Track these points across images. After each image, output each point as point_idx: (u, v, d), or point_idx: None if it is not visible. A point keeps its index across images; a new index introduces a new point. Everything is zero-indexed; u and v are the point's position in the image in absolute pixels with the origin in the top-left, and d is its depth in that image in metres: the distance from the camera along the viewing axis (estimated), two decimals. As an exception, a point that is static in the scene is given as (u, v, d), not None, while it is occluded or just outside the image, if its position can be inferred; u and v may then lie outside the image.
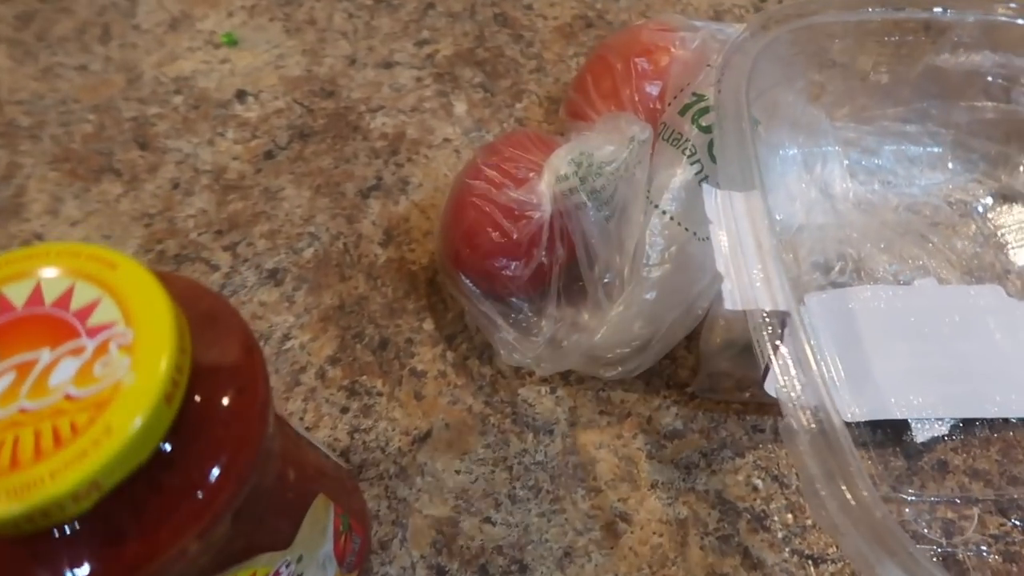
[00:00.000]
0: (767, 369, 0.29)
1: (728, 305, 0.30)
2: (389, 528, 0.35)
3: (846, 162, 0.43)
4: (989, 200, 0.43)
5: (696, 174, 0.35)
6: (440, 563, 0.35)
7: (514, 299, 0.38)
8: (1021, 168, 0.43)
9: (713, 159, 0.35)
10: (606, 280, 0.36)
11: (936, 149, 0.44)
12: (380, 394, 0.39)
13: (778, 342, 0.30)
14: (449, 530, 0.35)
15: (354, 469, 0.37)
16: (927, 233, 0.42)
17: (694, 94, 0.37)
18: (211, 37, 0.53)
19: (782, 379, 0.28)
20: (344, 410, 0.39)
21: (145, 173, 0.47)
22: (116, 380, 0.19)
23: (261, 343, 0.40)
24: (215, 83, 0.51)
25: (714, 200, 0.32)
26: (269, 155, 0.47)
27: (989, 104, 0.43)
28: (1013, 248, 0.41)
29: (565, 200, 0.36)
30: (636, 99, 0.39)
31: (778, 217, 0.42)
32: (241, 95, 0.50)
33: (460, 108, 0.49)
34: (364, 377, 0.39)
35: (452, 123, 0.48)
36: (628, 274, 0.35)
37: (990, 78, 0.42)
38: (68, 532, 0.19)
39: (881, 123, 0.44)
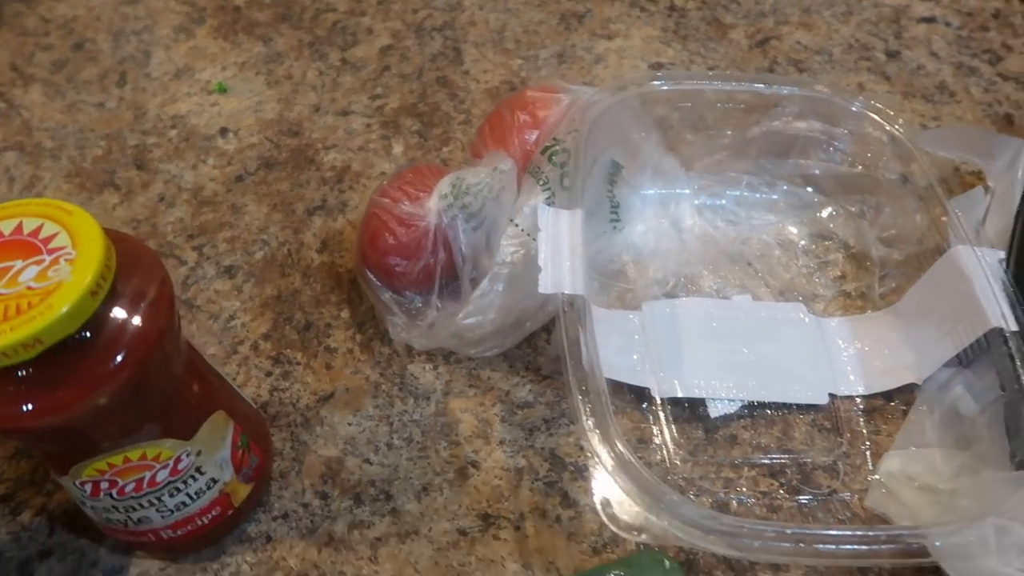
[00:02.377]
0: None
1: (541, 288, 0.40)
2: (289, 463, 0.45)
3: (696, 202, 0.53)
4: (807, 239, 0.52)
5: (547, 199, 0.45)
6: (325, 491, 0.44)
7: (407, 292, 0.48)
8: (832, 211, 0.53)
9: (565, 189, 0.45)
10: (473, 277, 0.46)
11: (771, 196, 0.53)
12: (298, 364, 0.49)
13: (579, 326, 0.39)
14: (336, 467, 0.45)
15: (268, 417, 0.46)
16: (753, 262, 0.51)
17: (553, 139, 0.47)
18: (206, 85, 0.65)
19: (565, 338, 0.38)
20: (268, 374, 0.48)
21: (139, 188, 0.58)
22: (60, 279, 0.29)
23: (211, 322, 0.51)
24: (204, 121, 0.62)
25: (546, 216, 0.42)
26: (239, 179, 0.59)
27: (812, 161, 0.53)
28: (820, 278, 0.50)
29: (445, 214, 0.46)
30: (517, 143, 0.49)
31: (634, 243, 0.52)
32: (223, 131, 0.62)
33: (398, 149, 0.60)
34: (288, 351, 0.49)
35: (389, 160, 0.59)
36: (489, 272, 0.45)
37: (814, 140, 0.52)
38: (21, 374, 0.29)
39: (728, 173, 0.54)
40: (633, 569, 0.40)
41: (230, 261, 0.54)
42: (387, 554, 0.42)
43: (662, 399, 0.45)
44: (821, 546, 0.34)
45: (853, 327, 0.48)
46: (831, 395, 0.45)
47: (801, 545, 0.33)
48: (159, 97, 0.65)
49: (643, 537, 0.34)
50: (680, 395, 0.45)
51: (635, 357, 0.46)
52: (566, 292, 0.40)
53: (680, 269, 0.51)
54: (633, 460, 0.35)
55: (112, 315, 0.31)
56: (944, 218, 0.46)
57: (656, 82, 0.49)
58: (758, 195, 0.54)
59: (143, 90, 0.65)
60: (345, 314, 0.51)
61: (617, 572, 0.39)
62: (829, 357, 0.47)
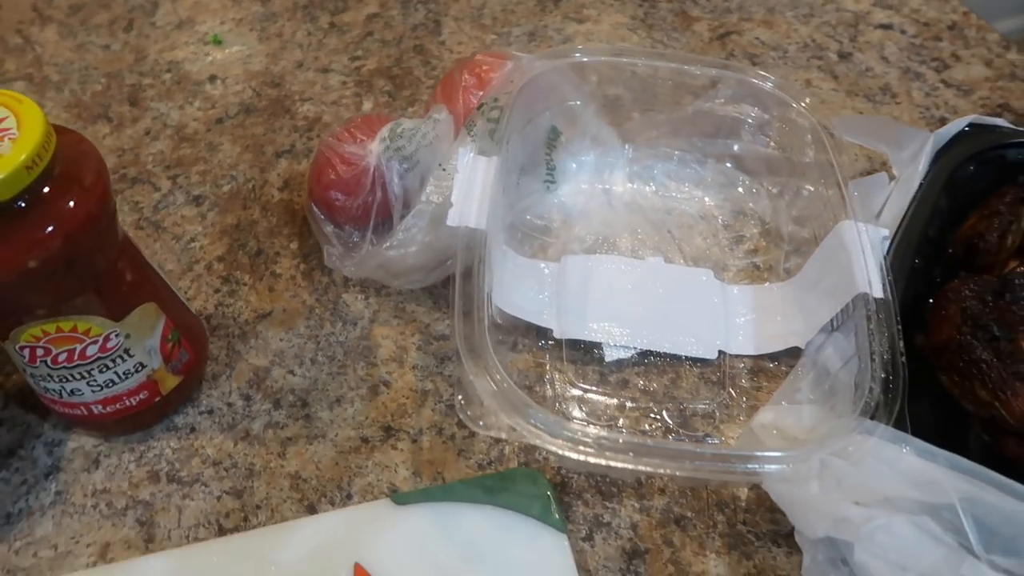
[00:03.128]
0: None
1: (448, 221, 0.44)
2: (222, 368, 0.49)
3: (628, 171, 0.57)
4: (728, 214, 0.56)
5: (478, 149, 0.49)
6: (249, 394, 0.48)
7: (347, 227, 0.52)
8: (753, 191, 0.56)
9: (492, 141, 0.49)
10: (404, 215, 0.50)
11: (700, 172, 0.57)
12: (245, 284, 0.53)
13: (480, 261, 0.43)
14: (262, 375, 0.49)
15: (210, 327, 0.51)
16: (673, 230, 0.55)
17: (491, 97, 0.51)
18: (203, 37, 0.70)
19: (459, 264, 0.42)
20: (217, 291, 0.53)
21: (128, 122, 0.64)
22: (2, 154, 0.34)
23: (174, 242, 0.56)
24: (197, 68, 0.68)
25: (465, 159, 0.47)
26: (219, 121, 0.64)
27: (740, 142, 0.56)
28: (734, 250, 0.54)
29: (383, 156, 0.50)
30: (462, 101, 0.54)
31: (565, 203, 0.56)
32: (212, 78, 0.67)
33: (367, 105, 0.64)
34: (237, 272, 0.54)
35: (358, 114, 0.64)
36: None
37: (743, 123, 0.55)
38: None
39: (662, 148, 0.57)
40: (506, 482, 0.44)
41: (199, 191, 0.59)
42: (294, 452, 0.46)
43: (562, 340, 0.49)
44: (654, 459, 0.37)
45: (753, 295, 0.51)
46: (721, 351, 0.49)
47: (631, 454, 0.37)
48: (160, 44, 0.70)
49: (493, 432, 0.38)
50: (578, 337, 0.49)
51: (543, 298, 0.50)
52: (470, 226, 0.44)
53: (603, 230, 0.54)
54: (499, 368, 0.39)
55: (47, 192, 0.35)
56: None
57: (576, 54, 0.53)
58: (688, 170, 0.57)
59: (146, 36, 0.71)
60: (294, 245, 0.56)
61: (491, 482, 0.43)
62: (726, 319, 0.50)
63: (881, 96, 0.63)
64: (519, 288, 0.50)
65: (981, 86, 0.64)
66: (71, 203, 0.36)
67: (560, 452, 0.37)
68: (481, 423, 0.38)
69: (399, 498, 0.43)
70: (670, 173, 0.57)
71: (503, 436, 0.38)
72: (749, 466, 0.38)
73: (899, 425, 0.38)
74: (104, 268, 0.40)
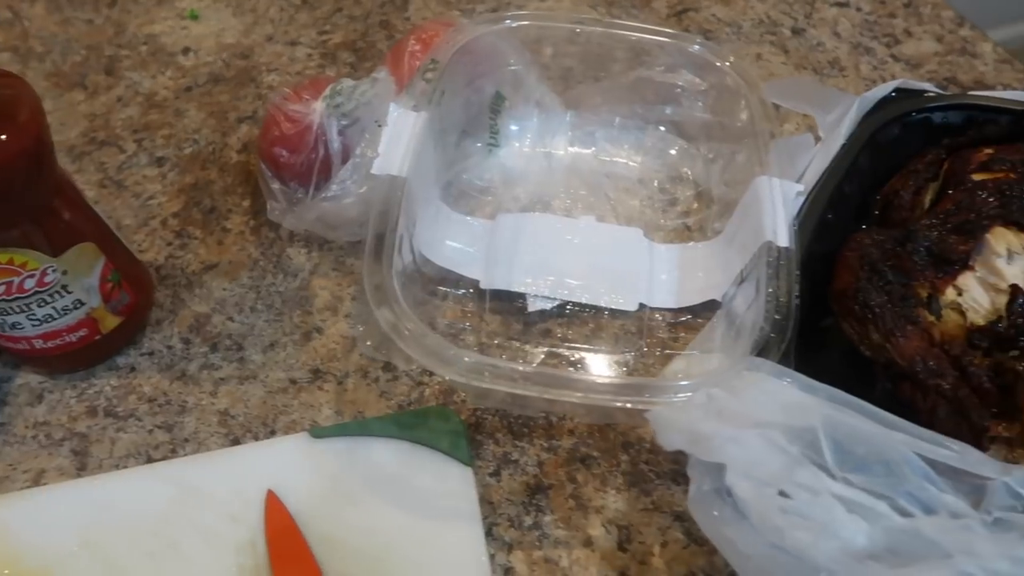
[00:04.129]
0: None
1: (373, 169, 0.46)
2: (166, 314, 0.52)
3: (570, 135, 0.59)
4: (664, 179, 0.57)
5: (413, 106, 0.51)
6: (189, 338, 0.51)
7: (292, 183, 0.55)
8: (690, 155, 0.57)
9: (424, 98, 0.51)
10: (342, 169, 0.52)
11: (640, 137, 0.59)
12: (196, 239, 0.56)
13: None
14: (203, 321, 0.52)
15: (159, 276, 0.54)
16: (609, 192, 0.56)
17: (431, 59, 0.53)
18: (181, 12, 0.73)
19: (375, 210, 0.44)
20: (169, 244, 0.56)
21: (103, 90, 0.67)
22: (-67, 87, 0.37)
23: (133, 199, 0.59)
24: (172, 41, 0.71)
25: (394, 113, 0.49)
26: (188, 89, 0.66)
27: (679, 108, 0.57)
28: (667, 212, 0.55)
29: (324, 114, 0.52)
30: (407, 64, 0.56)
31: (506, 164, 0.58)
32: (186, 50, 0.70)
33: (329, 75, 0.67)
34: (190, 227, 0.57)
35: (320, 85, 0.66)
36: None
37: (682, 89, 0.57)
38: None
39: (605, 114, 0.59)
40: (419, 418, 0.45)
41: (162, 153, 0.62)
42: (226, 391, 0.48)
43: (488, 290, 0.50)
44: (549, 387, 0.39)
45: (680, 253, 0.53)
46: (642, 304, 0.50)
47: (522, 382, 0.38)
48: (140, 19, 0.73)
49: (392, 359, 0.39)
50: (502, 288, 0.50)
51: (473, 252, 0.52)
52: (393, 174, 0.46)
53: (540, 191, 0.56)
54: (400, 302, 0.41)
55: (-19, 128, 0.38)
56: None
57: (508, 21, 0.54)
58: (629, 136, 0.59)
59: (128, 12, 0.74)
60: (247, 203, 0.58)
61: (406, 419, 0.45)
62: (651, 276, 0.51)
63: (829, 70, 0.64)
64: (450, 241, 0.52)
65: (930, 60, 0.65)
66: (3, 137, 0.39)
67: (455, 378, 0.39)
68: (383, 352, 0.39)
69: (316, 432, 0.45)
70: (611, 138, 0.59)
71: (401, 365, 0.39)
72: (642, 397, 0.39)
73: (786, 361, 0.40)
74: (40, 204, 0.42)
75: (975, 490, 0.32)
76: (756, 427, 0.35)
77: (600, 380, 0.40)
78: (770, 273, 0.43)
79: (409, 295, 0.43)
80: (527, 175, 0.57)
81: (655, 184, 0.57)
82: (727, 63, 0.53)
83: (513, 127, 0.58)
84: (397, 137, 0.48)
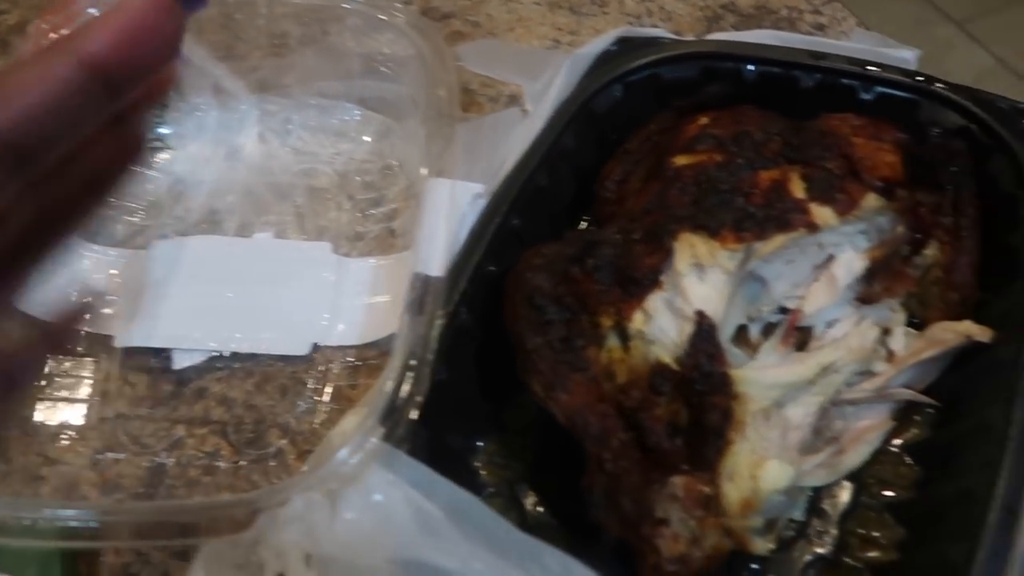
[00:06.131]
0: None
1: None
2: None
3: (260, 127, 0.48)
4: (372, 171, 0.47)
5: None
6: None
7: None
8: (400, 139, 0.47)
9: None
10: None
11: (343, 120, 0.48)
12: None
13: None
14: None
15: None
16: (300, 196, 0.46)
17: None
18: None
19: None
20: None
21: None
22: None
23: None
24: None
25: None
26: None
27: (386, 85, 0.47)
28: (371, 213, 0.45)
29: None
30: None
31: (176, 171, 0.47)
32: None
33: None
34: None
35: None
36: None
37: (372, 61, 0.46)
38: None
39: (299, 96, 0.48)
40: None
41: None
42: None
43: (125, 348, 0.41)
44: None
45: (374, 270, 0.43)
46: (316, 345, 0.41)
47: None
48: None
49: None
50: (142, 344, 0.40)
51: (110, 299, 0.42)
52: None
53: (213, 203, 0.46)
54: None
55: None
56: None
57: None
58: (331, 120, 0.48)
59: None
60: None
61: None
62: (335, 303, 0.42)
63: (589, 7, 0.53)
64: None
65: (709, -14, 0.54)
66: None
67: None
68: None
69: None
70: (309, 125, 0.48)
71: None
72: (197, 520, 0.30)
73: (423, 443, 0.31)
74: None
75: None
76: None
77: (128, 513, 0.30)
78: (413, 314, 0.33)
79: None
80: (199, 184, 0.46)
81: (358, 180, 0.47)
82: (406, 23, 0.42)
83: (189, 123, 0.47)
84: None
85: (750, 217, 0.32)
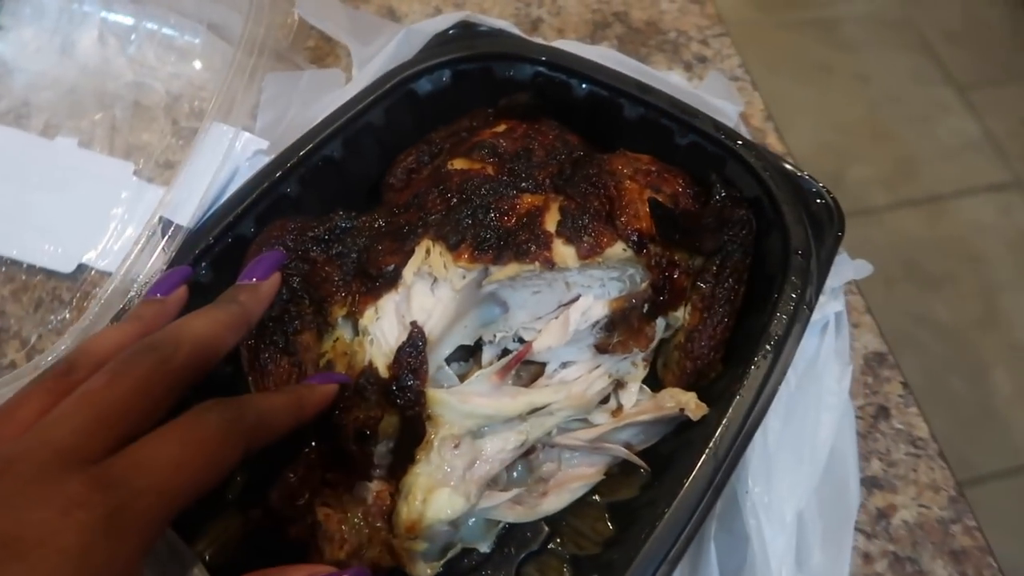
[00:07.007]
0: None
1: None
2: None
3: (103, 27, 0.46)
4: (209, 98, 0.45)
5: None
6: None
7: None
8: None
9: None
10: None
11: (192, 41, 0.46)
12: None
13: None
14: None
15: None
16: (121, 110, 0.44)
17: None
18: None
19: None
20: None
21: None
22: None
23: None
24: None
25: None
26: None
27: (229, 13, 0.45)
28: (185, 145, 0.44)
29: None
30: None
31: (3, 57, 0.45)
32: None
33: None
34: None
35: None
36: None
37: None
38: None
39: (152, 8, 0.46)
40: None
41: None
42: None
43: None
44: None
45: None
46: (84, 266, 0.39)
47: None
48: None
49: None
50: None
51: None
52: None
53: (29, 95, 0.44)
54: None
55: None
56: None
57: None
58: (182, 38, 0.46)
59: None
60: None
61: None
62: (118, 227, 0.40)
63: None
64: None
65: (608, -16, 0.52)
66: None
67: None
68: None
69: None
70: (154, 38, 0.46)
71: None
72: None
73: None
74: None
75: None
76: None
77: None
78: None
79: None
80: (23, 71, 0.44)
81: (186, 107, 0.45)
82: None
83: (25, 7, 0.45)
84: None
85: (493, 239, 0.31)
